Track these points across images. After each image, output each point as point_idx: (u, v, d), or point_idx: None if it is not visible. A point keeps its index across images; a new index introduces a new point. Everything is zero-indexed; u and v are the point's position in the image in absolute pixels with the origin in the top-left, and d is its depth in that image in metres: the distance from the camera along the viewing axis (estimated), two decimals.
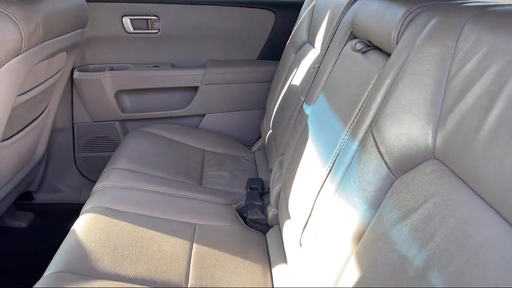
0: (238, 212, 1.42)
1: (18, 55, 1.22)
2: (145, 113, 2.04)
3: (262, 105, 2.06)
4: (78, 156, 2.09)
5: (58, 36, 1.42)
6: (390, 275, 0.64)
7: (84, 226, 1.16)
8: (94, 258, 1.04)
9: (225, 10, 2.02)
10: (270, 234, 1.32)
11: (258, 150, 1.97)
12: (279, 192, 1.34)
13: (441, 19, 0.76)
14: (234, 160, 1.81)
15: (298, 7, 1.93)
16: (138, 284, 1.00)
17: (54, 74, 1.60)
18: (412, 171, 0.71)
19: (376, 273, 0.68)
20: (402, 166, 0.73)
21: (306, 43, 1.69)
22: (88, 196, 1.39)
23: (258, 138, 2.05)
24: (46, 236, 1.62)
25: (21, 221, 1.96)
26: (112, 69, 1.97)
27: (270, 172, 1.56)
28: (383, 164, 0.77)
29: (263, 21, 2.06)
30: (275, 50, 2.04)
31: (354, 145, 0.88)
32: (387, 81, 0.82)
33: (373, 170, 0.79)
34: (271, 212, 1.37)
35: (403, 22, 0.85)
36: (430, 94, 0.71)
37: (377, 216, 0.75)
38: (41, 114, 1.66)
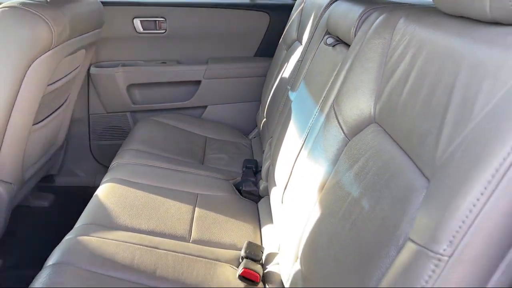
0: (234, 186, 1.64)
1: (49, 50, 1.45)
2: (153, 105, 2.27)
3: (258, 97, 2.29)
4: (93, 144, 2.33)
5: (80, 35, 1.66)
6: (339, 207, 0.87)
7: (105, 191, 1.39)
8: (115, 215, 1.27)
9: (224, 12, 2.25)
10: (261, 203, 1.55)
11: (254, 137, 2.20)
12: (268, 168, 1.56)
13: (384, 17, 0.98)
14: (233, 145, 2.04)
15: (290, 8, 2.16)
16: (150, 235, 1.22)
17: (75, 69, 1.84)
18: (360, 133, 0.93)
19: (331, 209, 0.90)
20: (353, 131, 0.96)
21: (295, 41, 1.92)
22: (100, 179, 1.61)
23: (255, 127, 2.28)
24: (65, 214, 1.84)
25: (44, 201, 2.19)
26: (124, 65, 2.20)
27: (263, 153, 1.79)
28: (340, 130, 1.00)
29: (258, 22, 2.29)
30: (269, 47, 2.27)
31: (322, 118, 1.10)
32: (345, 68, 1.05)
33: (333, 136, 1.02)
34: (262, 185, 1.60)
35: (360, 20, 1.08)
36: (373, 75, 0.94)
37: (334, 170, 0.97)
38: (62, 104, 1.90)
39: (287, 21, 2.14)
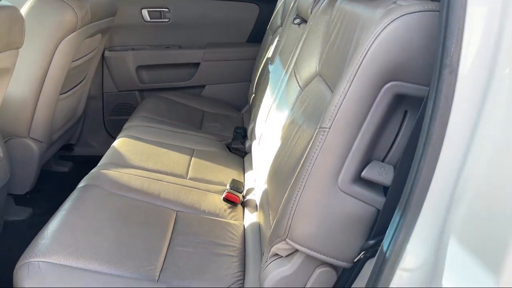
0: (225, 145, 1.98)
1: (74, 31, 1.80)
2: (158, 84, 2.62)
3: (249, 78, 2.63)
4: (106, 118, 2.68)
5: (99, 20, 2.00)
6: (291, 137, 1.20)
7: (119, 144, 1.74)
8: (127, 159, 1.62)
9: (220, 4, 2.59)
10: (246, 158, 1.89)
11: (245, 112, 2.54)
12: (252, 129, 1.90)
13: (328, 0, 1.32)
14: (226, 117, 2.38)
15: (276, 0, 2.50)
16: (155, 172, 1.57)
17: (93, 50, 2.18)
18: (309, 84, 1.27)
19: (287, 139, 1.24)
20: (305, 83, 1.29)
21: (279, 27, 2.25)
22: None
23: (247, 104, 2.61)
24: (82, 178, 2.16)
25: (64, 167, 2.54)
26: (133, 49, 2.55)
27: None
28: (297, 84, 1.33)
29: (250, 12, 2.63)
30: (258, 34, 2.61)
31: (286, 78, 1.44)
32: (302, 39, 1.39)
33: (292, 89, 1.36)
34: (247, 143, 1.94)
35: (314, 2, 1.41)
36: (319, 42, 1.27)
37: (292, 112, 1.31)
38: (82, 80, 2.25)
39: (273, 10, 2.48)
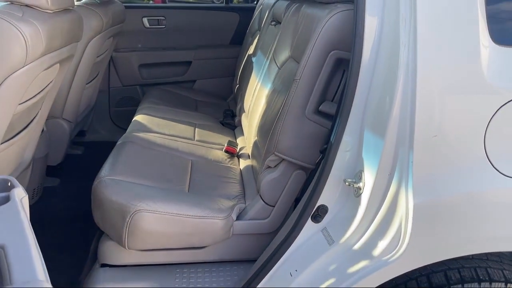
0: (219, 121, 2.53)
1: (100, 33, 2.30)
2: (157, 79, 3.14)
3: (233, 73, 3.19)
4: (112, 109, 3.16)
5: (115, 25, 2.52)
6: (272, 102, 1.76)
7: (139, 118, 2.25)
8: (148, 127, 2.13)
9: (207, 13, 3.16)
10: (236, 130, 2.44)
11: (230, 100, 3.09)
12: (240, 107, 2.46)
13: (296, 6, 1.89)
14: (216, 104, 2.93)
15: (253, 10, 3.08)
16: (171, 136, 2.09)
17: (106, 50, 2.68)
18: (284, 65, 1.83)
19: (269, 103, 1.79)
20: (282, 64, 1.85)
21: (257, 30, 2.83)
22: (118, 138, 2.34)
23: (231, 94, 3.17)
24: (93, 159, 2.40)
25: (78, 150, 3.01)
26: (136, 50, 3.06)
27: (237, 106, 2.67)
28: (276, 66, 1.90)
29: (232, 19, 3.21)
30: (239, 37, 3.18)
31: (267, 63, 2.01)
32: (278, 35, 1.96)
33: (272, 69, 1.92)
34: (236, 119, 2.49)
35: (285, 9, 1.99)
36: (291, 36, 1.84)
37: (272, 86, 1.87)
38: (97, 74, 2.73)
39: (251, 18, 3.06)
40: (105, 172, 1.57)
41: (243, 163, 1.98)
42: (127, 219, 1.39)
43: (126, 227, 1.39)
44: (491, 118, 1.10)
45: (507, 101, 1.10)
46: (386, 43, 1.16)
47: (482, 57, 1.09)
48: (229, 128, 2.47)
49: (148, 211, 1.39)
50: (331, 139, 1.26)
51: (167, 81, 3.16)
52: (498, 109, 1.10)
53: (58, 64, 1.67)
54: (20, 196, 0.78)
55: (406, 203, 1.11)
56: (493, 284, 1.25)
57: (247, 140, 2.08)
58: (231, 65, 3.17)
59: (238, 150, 2.09)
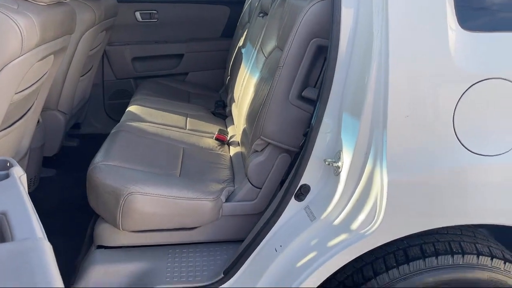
0: (210, 112, 2.60)
1: (93, 26, 2.36)
2: (150, 72, 3.20)
3: (224, 65, 3.25)
4: (106, 102, 3.23)
5: (108, 19, 2.57)
6: (260, 89, 1.83)
7: (132, 109, 2.32)
8: (141, 117, 2.20)
9: (199, 6, 3.22)
10: (227, 120, 2.51)
11: (222, 92, 3.16)
12: (230, 98, 2.53)
13: None
14: (208, 96, 2.99)
15: (243, 3, 3.14)
16: (164, 125, 2.16)
17: (99, 44, 2.74)
18: (271, 54, 1.90)
19: (256, 91, 1.86)
20: (269, 54, 1.92)
21: (247, 23, 2.89)
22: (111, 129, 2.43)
23: (223, 86, 3.23)
24: (87, 151, 2.43)
25: (73, 142, 3.07)
26: (129, 44, 3.12)
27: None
28: (263, 56, 1.97)
29: (223, 13, 3.27)
30: (230, 30, 3.25)
31: (255, 54, 2.08)
32: (265, 26, 2.03)
33: (260, 60, 1.99)
34: (227, 108, 2.56)
35: (272, 2, 2.05)
36: (277, 27, 1.91)
37: (260, 75, 1.94)
38: (91, 68, 2.79)
39: (242, 11, 3.12)
40: (99, 158, 1.64)
41: (233, 150, 2.05)
42: (121, 201, 1.46)
43: (120, 209, 1.47)
44: (459, 99, 1.18)
45: (473, 83, 1.18)
46: (362, 31, 1.23)
47: (450, 42, 1.17)
48: (220, 118, 2.54)
49: (141, 194, 1.47)
50: (312, 122, 1.33)
51: (160, 74, 3.22)
52: (466, 91, 1.18)
53: (52, 56, 1.73)
54: (19, 174, 0.86)
55: (381, 180, 1.19)
56: (466, 256, 1.33)
57: (236, 128, 2.15)
58: (223, 57, 3.24)
59: (228, 138, 2.16)
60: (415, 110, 1.17)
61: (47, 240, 0.65)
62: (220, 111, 2.57)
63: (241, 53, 2.53)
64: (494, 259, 1.34)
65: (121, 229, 1.50)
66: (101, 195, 1.53)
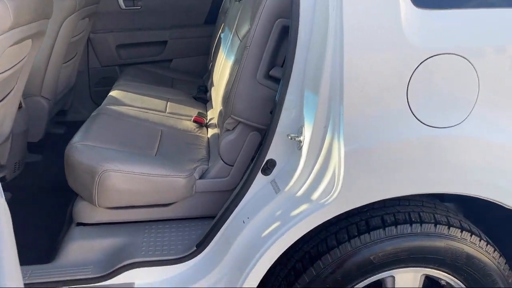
0: (192, 96, 2.65)
1: (74, 13, 2.40)
2: (134, 59, 3.24)
3: (207, 51, 3.29)
4: (92, 89, 3.27)
5: (89, 6, 2.61)
6: (233, 69, 1.88)
7: (114, 93, 2.37)
8: (122, 101, 2.25)
9: None
10: (208, 104, 2.57)
11: (206, 77, 3.20)
12: (211, 82, 2.58)
13: None
14: (191, 82, 3.04)
15: None
16: (144, 108, 2.21)
17: (83, 31, 2.78)
18: (246, 36, 1.95)
19: (232, 72, 1.91)
20: (243, 37, 1.97)
21: (228, 8, 2.93)
22: None
23: (207, 71, 3.28)
24: None
25: (60, 130, 3.12)
26: (112, 31, 3.16)
27: None
28: (238, 38, 2.01)
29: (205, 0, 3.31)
30: (213, 17, 3.28)
31: (231, 37, 2.12)
32: (240, 10, 2.07)
33: (235, 43, 2.03)
34: (208, 93, 2.61)
35: None
36: (250, 9, 1.95)
37: (235, 58, 1.99)
38: (75, 56, 2.83)
39: None
40: (77, 139, 1.70)
41: (210, 132, 2.11)
42: (96, 179, 1.52)
43: (95, 187, 1.53)
44: (412, 74, 1.24)
45: (426, 58, 1.24)
46: (320, 11, 1.28)
47: (402, 19, 1.22)
48: (201, 102, 2.59)
49: (115, 171, 1.53)
50: (276, 99, 1.39)
51: (144, 61, 3.26)
52: (418, 66, 1.24)
53: (30, 40, 1.78)
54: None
55: (339, 152, 1.25)
56: (424, 225, 1.40)
57: (214, 111, 2.21)
58: (206, 43, 3.28)
59: (208, 121, 2.22)
60: (369, 85, 1.23)
61: None
62: (201, 96, 2.62)
63: (221, 38, 2.58)
64: (451, 228, 1.41)
65: (97, 205, 1.56)
66: (78, 173, 1.58)
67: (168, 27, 3.27)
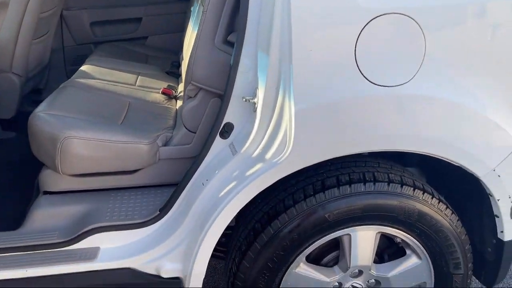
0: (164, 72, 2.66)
1: None
2: (110, 37, 3.23)
3: (182, 28, 3.27)
4: (68, 68, 3.25)
5: None
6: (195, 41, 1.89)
7: (85, 68, 2.37)
8: (92, 75, 2.26)
9: None
10: (180, 78, 2.57)
11: (181, 54, 3.20)
12: (181, 56, 2.58)
13: None
14: (167, 58, 3.04)
15: None
16: (113, 82, 2.22)
17: (54, 7, 2.75)
18: None
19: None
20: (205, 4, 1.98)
21: None
22: None
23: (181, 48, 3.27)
24: None
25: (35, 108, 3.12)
26: (86, 8, 3.13)
27: None
28: (202, 7, 2.02)
29: None
30: None
31: (197, 8, 2.13)
32: None
33: (200, 12, 2.04)
34: (180, 68, 2.62)
35: None
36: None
37: (200, 27, 1.99)
38: (47, 32, 2.82)
39: None
40: (40, 108, 1.71)
41: (179, 104, 2.13)
42: (58, 146, 1.54)
43: (58, 154, 1.55)
44: (360, 33, 1.27)
45: (373, 18, 1.26)
46: None
47: None
48: (174, 76, 2.60)
49: (76, 138, 1.55)
50: (231, 62, 1.41)
51: (119, 38, 3.25)
52: (366, 25, 1.26)
53: None
54: None
55: (289, 111, 1.28)
56: (377, 184, 1.44)
57: (183, 82, 2.22)
58: (180, 20, 3.27)
59: (178, 93, 2.23)
60: (318, 44, 1.26)
61: None
62: (174, 71, 2.63)
63: (191, 12, 2.58)
64: (404, 186, 1.46)
65: (60, 173, 1.59)
66: (40, 142, 1.60)
67: (142, 4, 3.25)
